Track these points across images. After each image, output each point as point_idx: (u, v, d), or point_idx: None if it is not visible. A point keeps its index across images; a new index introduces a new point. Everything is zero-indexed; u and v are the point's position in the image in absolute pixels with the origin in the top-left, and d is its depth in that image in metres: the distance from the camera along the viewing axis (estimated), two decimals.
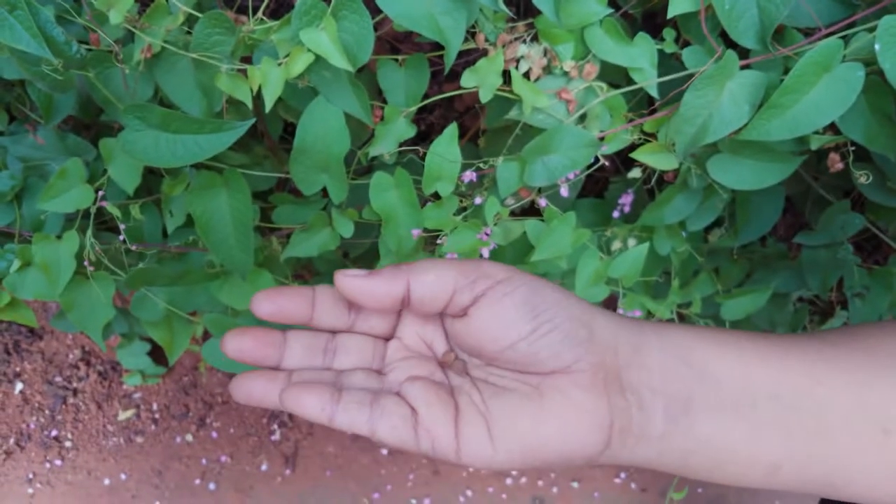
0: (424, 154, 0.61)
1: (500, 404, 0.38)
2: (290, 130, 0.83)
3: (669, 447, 0.39)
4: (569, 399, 0.37)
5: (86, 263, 0.63)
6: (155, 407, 1.44)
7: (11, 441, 1.43)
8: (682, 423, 0.39)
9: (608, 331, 0.39)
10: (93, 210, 0.63)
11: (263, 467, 1.42)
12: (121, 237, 0.64)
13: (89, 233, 0.62)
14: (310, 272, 0.99)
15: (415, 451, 0.37)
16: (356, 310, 0.41)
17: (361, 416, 0.36)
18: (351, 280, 0.38)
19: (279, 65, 0.54)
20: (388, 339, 0.42)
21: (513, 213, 0.66)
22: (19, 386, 1.45)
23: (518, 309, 0.37)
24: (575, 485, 1.41)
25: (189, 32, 0.57)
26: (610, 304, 0.96)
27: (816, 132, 0.56)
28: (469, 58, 0.68)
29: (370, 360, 0.41)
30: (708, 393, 0.39)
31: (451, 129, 0.59)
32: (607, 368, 0.38)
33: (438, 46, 0.57)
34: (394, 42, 0.82)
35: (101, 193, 0.63)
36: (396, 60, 0.62)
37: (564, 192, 0.62)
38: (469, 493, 1.40)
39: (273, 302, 0.38)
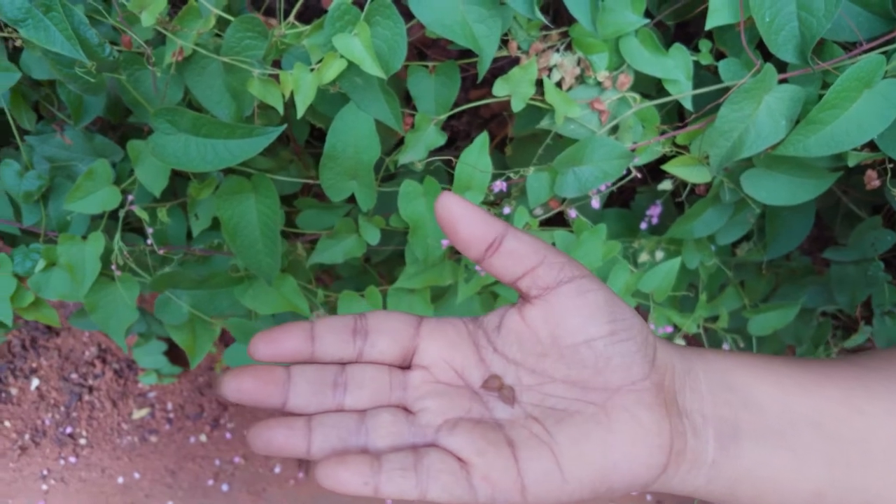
0: (450, 161, 0.60)
1: (567, 430, 0.36)
2: (315, 135, 0.83)
3: (718, 475, 0.38)
4: (636, 419, 0.36)
5: (113, 267, 0.62)
6: (169, 406, 1.44)
7: (27, 437, 1.43)
8: (731, 450, 0.38)
9: (665, 353, 0.39)
10: (122, 213, 0.63)
11: (276, 470, 1.42)
12: (148, 241, 0.64)
13: (118, 236, 0.62)
14: (331, 277, 0.99)
15: (472, 503, 0.34)
16: (362, 336, 0.38)
17: (408, 482, 0.33)
18: (455, 202, 0.36)
19: (311, 70, 0.53)
20: (402, 367, 0.39)
21: (540, 225, 0.65)
22: (35, 382, 1.45)
23: (600, 308, 0.36)
24: None
25: (219, 35, 0.57)
26: None
27: (855, 149, 0.55)
28: (497, 65, 0.68)
29: (387, 393, 0.38)
30: (753, 420, 0.38)
31: (482, 139, 0.59)
32: (666, 390, 0.37)
33: (467, 53, 0.56)
34: (421, 48, 0.82)
35: (130, 197, 0.63)
36: (426, 67, 0.61)
37: (595, 203, 0.61)
38: None
39: (270, 342, 0.36)
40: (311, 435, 0.35)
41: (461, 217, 0.36)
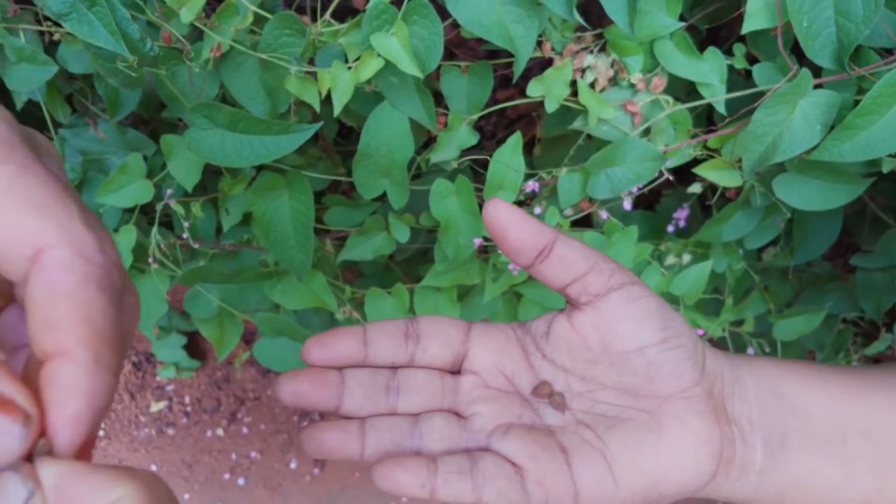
0: (478, 159, 0.60)
1: (619, 437, 0.36)
2: (342, 133, 0.83)
3: (766, 483, 0.38)
4: (687, 427, 0.36)
5: (150, 259, 0.63)
6: (187, 400, 1.45)
7: None
8: (778, 458, 0.38)
9: (714, 361, 0.39)
10: (159, 207, 0.63)
11: (292, 465, 1.43)
12: (184, 235, 0.64)
13: (155, 229, 0.62)
14: (353, 274, 0.99)
15: None
16: (413, 340, 0.38)
17: (464, 486, 0.34)
18: (505, 208, 0.36)
19: (348, 69, 0.54)
20: (454, 372, 0.39)
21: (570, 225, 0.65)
22: None
23: (651, 315, 0.36)
24: None
25: (254, 32, 0.57)
26: None
27: (890, 155, 0.55)
28: (529, 65, 0.68)
29: (440, 398, 0.38)
30: (801, 427, 0.38)
31: (515, 138, 0.59)
32: (716, 397, 0.38)
33: (495, 54, 0.57)
34: (450, 47, 0.82)
35: (169, 192, 0.63)
36: (459, 67, 0.62)
37: (627, 205, 0.61)
38: None
39: (323, 346, 0.36)
40: (364, 438, 0.35)
41: (511, 223, 0.36)
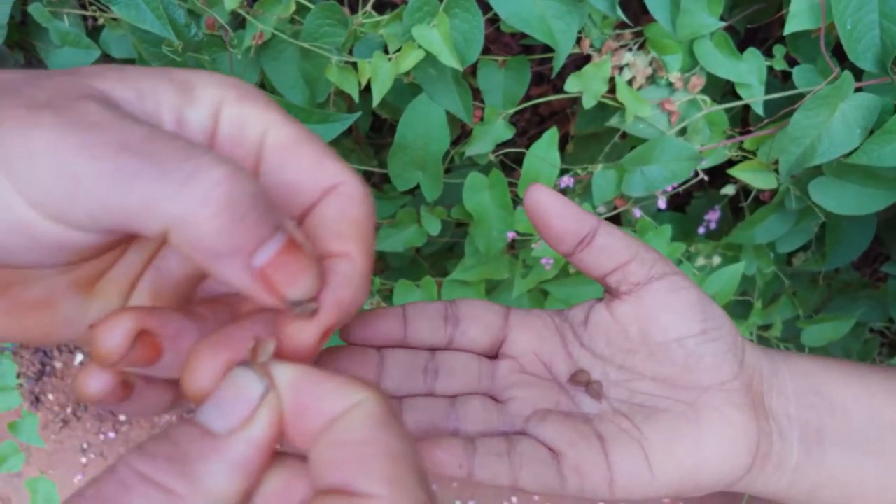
0: (510, 155, 0.61)
1: (657, 427, 0.35)
2: (374, 126, 0.84)
3: (801, 479, 0.38)
4: (726, 419, 0.36)
5: None
6: None
7: (69, 410, 1.46)
8: (815, 454, 0.38)
9: (753, 354, 0.38)
10: None
11: None
12: None
13: None
14: (381, 266, 1.00)
15: (560, 492, 0.35)
16: (452, 323, 0.38)
17: (501, 468, 0.34)
18: (547, 193, 0.35)
19: (389, 60, 0.54)
20: (491, 356, 0.39)
21: None
22: (79, 357, 1.48)
23: (693, 306, 0.36)
24: None
25: (295, 21, 0.58)
26: None
27: None
28: (565, 61, 0.68)
29: (477, 382, 0.37)
30: (838, 425, 0.38)
31: (551, 133, 0.59)
32: (755, 391, 0.37)
33: (530, 50, 0.57)
34: (486, 42, 0.82)
35: None
36: (497, 61, 0.62)
37: (662, 203, 0.61)
38: (514, 499, 1.40)
39: (365, 325, 0.36)
40: (402, 417, 0.35)
41: (553, 210, 0.36)
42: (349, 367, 0.35)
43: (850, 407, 0.39)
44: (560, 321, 0.39)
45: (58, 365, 1.47)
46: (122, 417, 1.45)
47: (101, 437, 1.45)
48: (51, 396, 1.46)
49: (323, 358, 0.35)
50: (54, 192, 0.22)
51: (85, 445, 1.45)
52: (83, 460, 1.44)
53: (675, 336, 0.36)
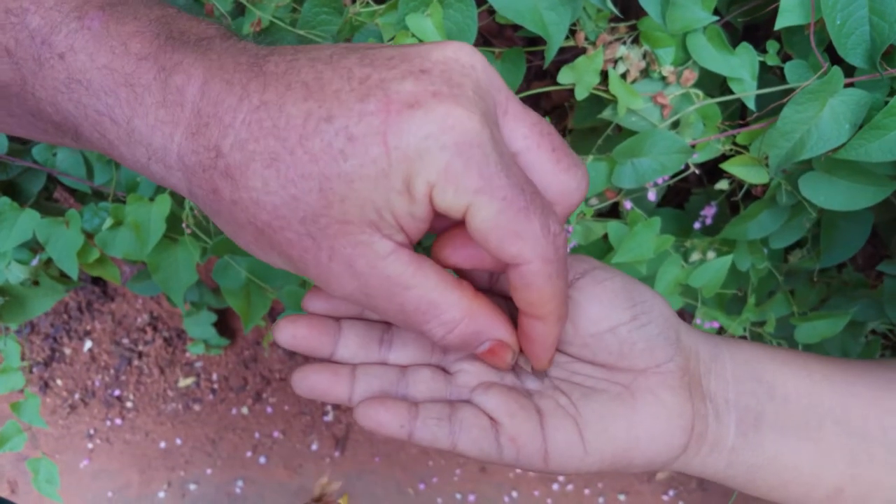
0: None
1: (592, 406, 0.37)
2: None
3: (738, 460, 0.39)
4: (659, 400, 0.37)
5: (184, 225, 0.65)
6: (215, 377, 1.48)
7: (76, 396, 1.48)
8: (751, 437, 0.39)
9: (691, 337, 0.40)
10: None
11: (314, 447, 1.44)
12: None
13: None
14: None
15: (497, 461, 0.36)
16: None
17: (441, 431, 0.35)
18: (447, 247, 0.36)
19: None
20: None
21: (592, 215, 0.66)
22: (88, 344, 1.50)
23: (618, 294, 0.37)
24: (622, 497, 1.39)
25: (295, 11, 0.59)
26: (681, 318, 0.94)
27: None
28: (564, 56, 0.69)
29: (429, 354, 0.39)
30: (777, 410, 0.39)
31: None
32: (691, 373, 0.39)
33: (532, 43, 0.57)
34: (487, 36, 0.83)
35: None
36: (493, 53, 0.63)
37: (652, 196, 0.61)
38: (514, 494, 1.40)
39: (324, 297, 0.38)
40: (354, 382, 0.37)
41: (462, 260, 0.36)
42: (307, 334, 0.37)
43: (790, 393, 0.40)
44: (513, 305, 0.41)
45: (67, 351, 1.49)
46: (129, 405, 1.47)
47: (108, 423, 1.47)
48: (59, 382, 1.48)
49: (283, 325, 0.36)
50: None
51: (92, 431, 1.47)
52: (90, 446, 1.46)
53: (606, 326, 0.37)
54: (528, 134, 0.31)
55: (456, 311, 0.31)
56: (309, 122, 0.28)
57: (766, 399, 0.40)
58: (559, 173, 0.32)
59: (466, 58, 0.30)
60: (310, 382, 0.36)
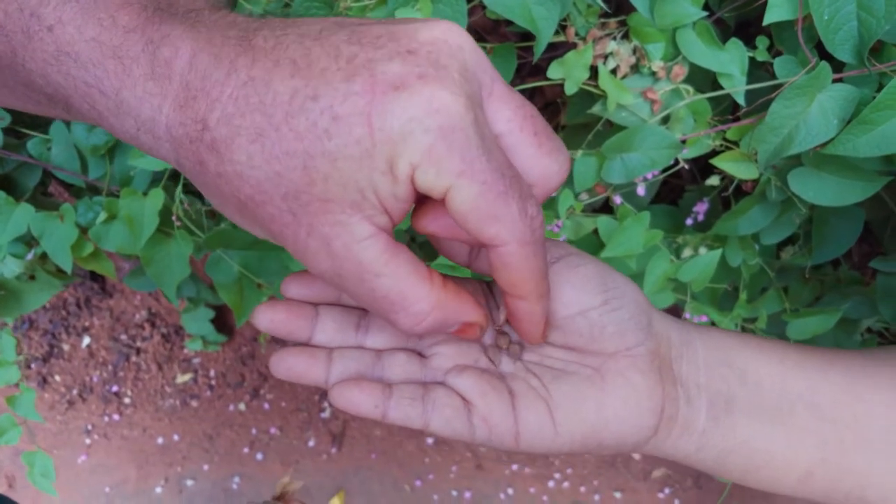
0: None
1: (563, 388, 0.38)
2: None
3: (708, 444, 0.40)
4: (629, 382, 0.38)
5: (174, 218, 0.65)
6: (212, 373, 1.48)
7: (74, 392, 1.49)
8: (722, 421, 0.40)
9: (663, 323, 0.40)
10: None
11: (311, 443, 1.45)
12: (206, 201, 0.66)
13: (179, 189, 0.64)
14: None
15: (469, 440, 0.37)
16: None
17: (414, 410, 0.36)
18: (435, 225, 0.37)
19: None
20: None
21: (582, 211, 0.66)
22: (87, 340, 1.50)
23: (591, 280, 0.38)
24: (618, 495, 1.40)
25: (287, 5, 0.59)
26: (673, 314, 0.95)
27: None
28: (557, 52, 0.69)
29: (405, 339, 0.40)
30: (748, 395, 0.40)
31: None
32: (662, 357, 0.39)
33: (525, 38, 0.57)
34: (481, 32, 0.83)
35: None
36: (484, 48, 0.63)
37: (641, 190, 0.62)
38: (510, 490, 1.40)
39: (302, 283, 0.38)
40: (331, 365, 0.37)
41: (442, 231, 0.37)
42: (285, 319, 0.37)
43: (762, 379, 0.40)
44: (487, 290, 0.42)
45: (65, 347, 1.50)
46: (127, 400, 1.47)
47: (106, 419, 1.47)
48: (57, 378, 1.49)
49: (262, 309, 0.37)
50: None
51: (89, 427, 1.47)
52: (87, 441, 1.46)
53: (577, 309, 0.38)
54: (511, 117, 0.31)
55: (425, 304, 0.32)
56: (295, 99, 0.28)
57: (738, 384, 0.40)
58: (541, 157, 0.32)
59: (455, 39, 0.30)
60: (287, 364, 0.37)
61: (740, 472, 0.41)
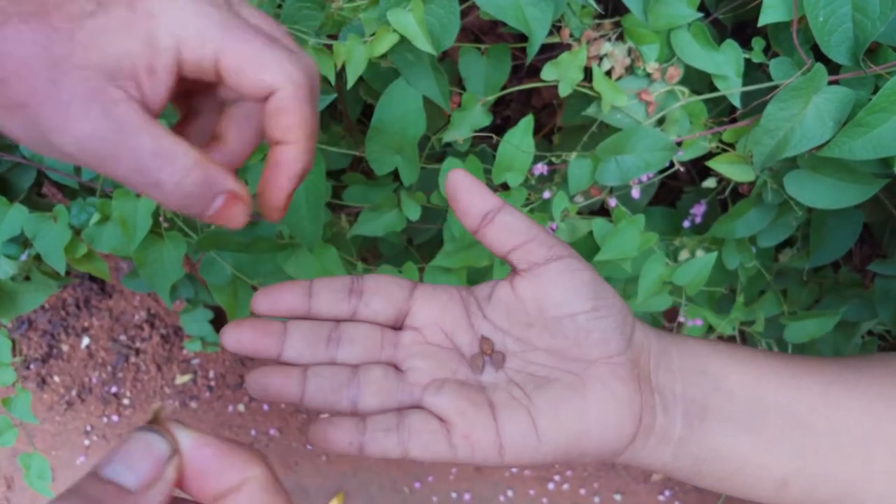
0: (497, 144, 0.61)
1: (545, 395, 0.38)
2: (367, 113, 0.85)
3: (684, 452, 0.40)
4: (609, 389, 0.38)
5: (161, 219, 0.65)
6: (211, 374, 1.48)
7: (74, 392, 1.48)
8: (697, 429, 0.40)
9: (643, 334, 0.41)
10: None
11: (309, 445, 1.44)
12: None
13: None
14: (374, 255, 1.01)
15: (452, 460, 0.37)
16: (356, 295, 0.40)
17: (389, 441, 0.36)
18: (461, 174, 0.39)
19: (364, 43, 0.55)
20: (396, 328, 0.41)
21: (579, 214, 0.66)
22: (86, 340, 1.50)
23: (585, 285, 0.39)
24: (618, 497, 1.39)
25: (279, 6, 0.59)
26: (669, 316, 0.94)
27: None
28: (552, 53, 0.68)
29: (378, 351, 0.39)
30: (722, 403, 0.40)
31: (527, 121, 0.60)
32: (641, 367, 0.40)
33: (522, 39, 0.57)
34: (478, 33, 0.83)
35: None
36: (479, 49, 0.62)
37: (636, 193, 0.61)
38: (510, 493, 1.40)
39: (269, 297, 0.38)
40: (305, 383, 0.37)
41: (462, 187, 0.39)
42: (251, 338, 0.37)
43: (735, 386, 0.41)
44: (466, 295, 0.42)
45: (64, 348, 1.50)
46: (126, 401, 1.47)
47: (105, 419, 1.47)
48: (56, 379, 1.49)
49: (228, 330, 0.37)
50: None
51: (88, 428, 1.47)
52: (86, 442, 1.46)
53: (567, 311, 0.39)
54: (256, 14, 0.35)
55: (187, 159, 0.33)
56: None
57: (712, 391, 0.40)
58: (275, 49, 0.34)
59: None
60: (262, 384, 0.37)
61: (715, 480, 0.41)
